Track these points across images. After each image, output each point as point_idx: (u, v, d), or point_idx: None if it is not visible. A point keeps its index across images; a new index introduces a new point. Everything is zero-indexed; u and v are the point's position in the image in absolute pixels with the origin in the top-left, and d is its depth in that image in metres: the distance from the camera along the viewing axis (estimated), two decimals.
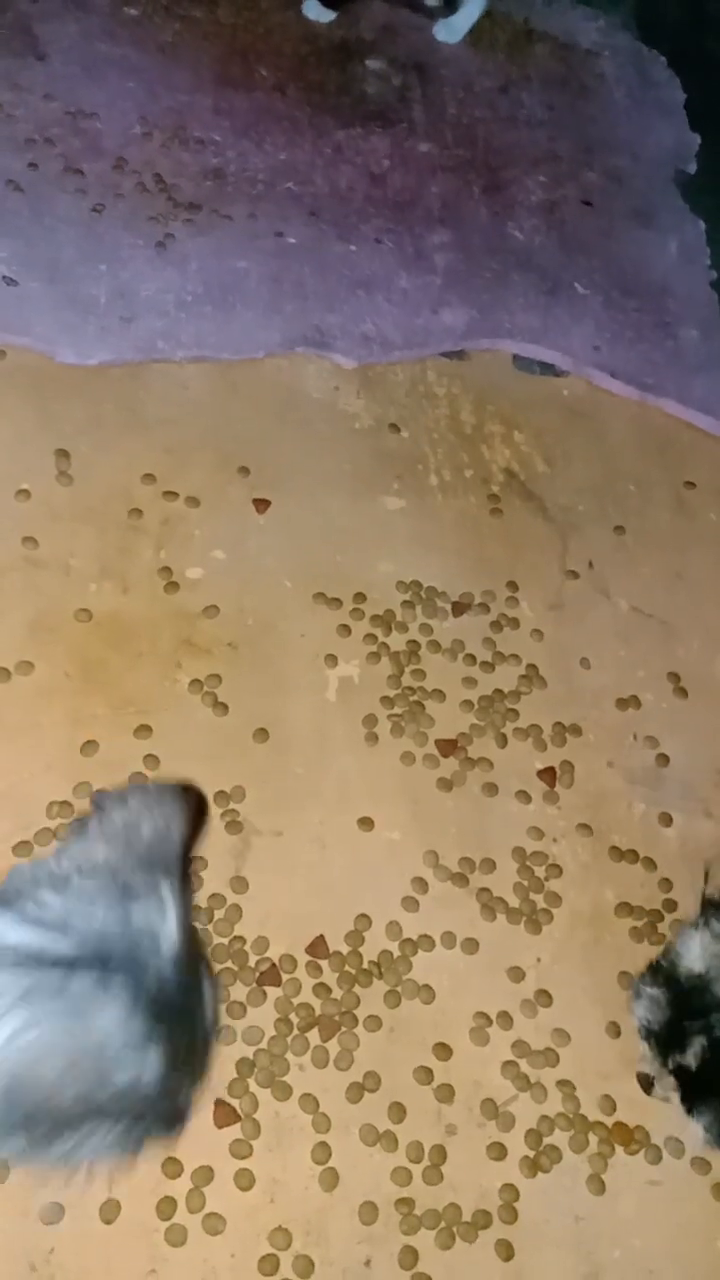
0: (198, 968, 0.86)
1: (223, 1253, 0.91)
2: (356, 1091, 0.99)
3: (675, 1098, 0.97)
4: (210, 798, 1.10)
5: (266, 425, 1.38)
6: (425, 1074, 1.01)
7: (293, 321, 1.46)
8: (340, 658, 1.22)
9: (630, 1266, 0.96)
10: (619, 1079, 1.03)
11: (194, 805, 0.93)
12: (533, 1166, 0.98)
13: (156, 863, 0.86)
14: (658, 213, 1.78)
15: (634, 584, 1.36)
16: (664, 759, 1.23)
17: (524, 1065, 1.03)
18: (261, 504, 1.31)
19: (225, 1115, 0.96)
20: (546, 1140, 1.00)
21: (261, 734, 1.16)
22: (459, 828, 1.15)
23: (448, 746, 1.19)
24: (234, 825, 1.09)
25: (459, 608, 1.29)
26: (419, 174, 1.70)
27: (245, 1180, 0.93)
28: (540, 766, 1.20)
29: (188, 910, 0.86)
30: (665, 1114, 1.01)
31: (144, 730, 1.12)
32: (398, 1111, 0.99)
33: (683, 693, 1.28)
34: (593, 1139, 1.01)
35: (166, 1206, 0.91)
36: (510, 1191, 0.97)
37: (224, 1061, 0.97)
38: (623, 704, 1.26)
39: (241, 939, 1.04)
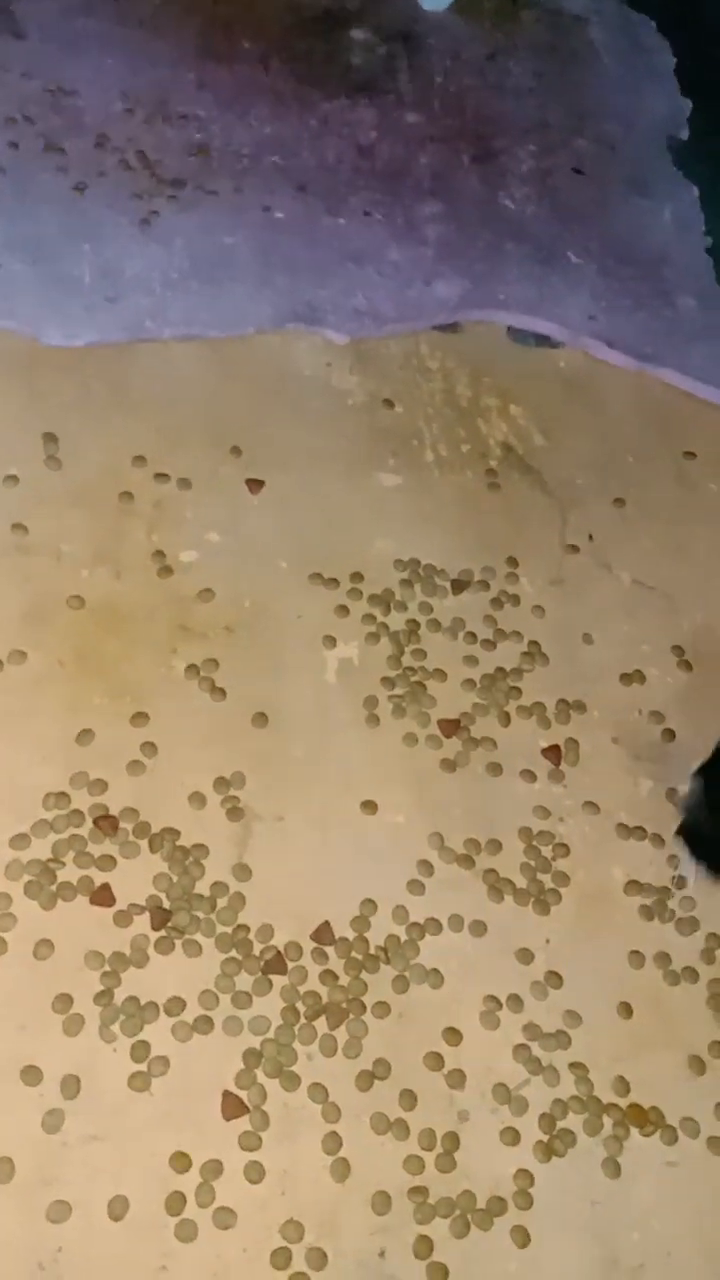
0: None
1: (234, 1247, 0.89)
2: (366, 1079, 0.97)
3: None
4: (210, 784, 1.08)
5: (258, 404, 1.36)
6: (436, 1060, 0.99)
7: (283, 296, 1.44)
8: (339, 639, 1.20)
9: (649, 1249, 0.95)
10: (632, 1060, 1.02)
11: None
12: (547, 1151, 0.97)
13: None
14: (651, 180, 1.74)
15: (635, 557, 1.34)
16: (669, 734, 1.21)
17: (535, 1048, 1.01)
18: (255, 484, 1.29)
19: (233, 1107, 0.94)
20: (560, 1124, 0.98)
21: (260, 718, 1.14)
22: (463, 809, 1.13)
23: (450, 726, 1.17)
24: (235, 812, 1.07)
25: (458, 585, 1.26)
26: (407, 145, 1.67)
27: (255, 1173, 0.92)
28: (544, 745, 1.18)
29: None
30: (680, 1094, 1.00)
31: (140, 718, 1.10)
32: (409, 1099, 0.97)
33: (687, 666, 1.26)
34: (607, 1121, 0.99)
35: (175, 1202, 0.89)
36: (525, 1177, 0.96)
37: (231, 1052, 0.96)
38: (627, 679, 1.24)
39: (245, 927, 1.02)
